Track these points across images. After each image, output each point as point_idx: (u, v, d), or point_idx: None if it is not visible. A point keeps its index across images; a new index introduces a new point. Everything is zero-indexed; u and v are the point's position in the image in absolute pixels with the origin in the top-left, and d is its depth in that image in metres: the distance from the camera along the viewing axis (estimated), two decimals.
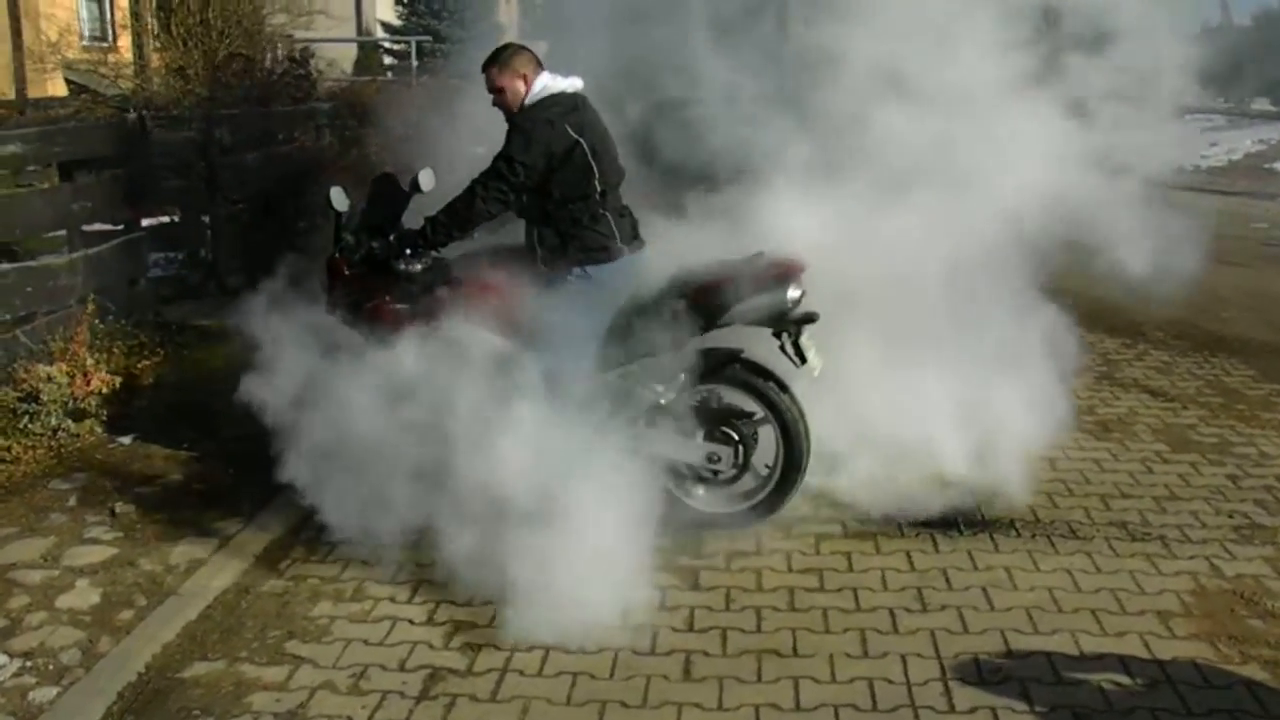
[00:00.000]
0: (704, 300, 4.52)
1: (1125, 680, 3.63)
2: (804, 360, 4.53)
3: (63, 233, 7.69)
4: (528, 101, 4.48)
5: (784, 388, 4.63)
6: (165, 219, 9.64)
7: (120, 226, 8.03)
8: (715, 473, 4.67)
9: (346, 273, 4.82)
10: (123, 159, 7.93)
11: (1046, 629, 3.92)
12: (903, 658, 3.77)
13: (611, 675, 3.74)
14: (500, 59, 4.51)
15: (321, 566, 4.58)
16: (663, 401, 4.63)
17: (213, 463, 5.64)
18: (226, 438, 5.91)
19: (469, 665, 3.83)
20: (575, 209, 4.45)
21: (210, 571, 4.53)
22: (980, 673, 3.67)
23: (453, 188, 4.92)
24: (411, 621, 4.13)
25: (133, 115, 8.13)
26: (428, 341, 4.73)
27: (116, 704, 3.67)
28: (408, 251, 4.63)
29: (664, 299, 4.59)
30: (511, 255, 4.67)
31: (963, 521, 4.78)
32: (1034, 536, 4.64)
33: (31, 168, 8.52)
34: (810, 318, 4.54)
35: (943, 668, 3.71)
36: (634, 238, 4.63)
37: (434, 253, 4.84)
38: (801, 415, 4.65)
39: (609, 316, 4.54)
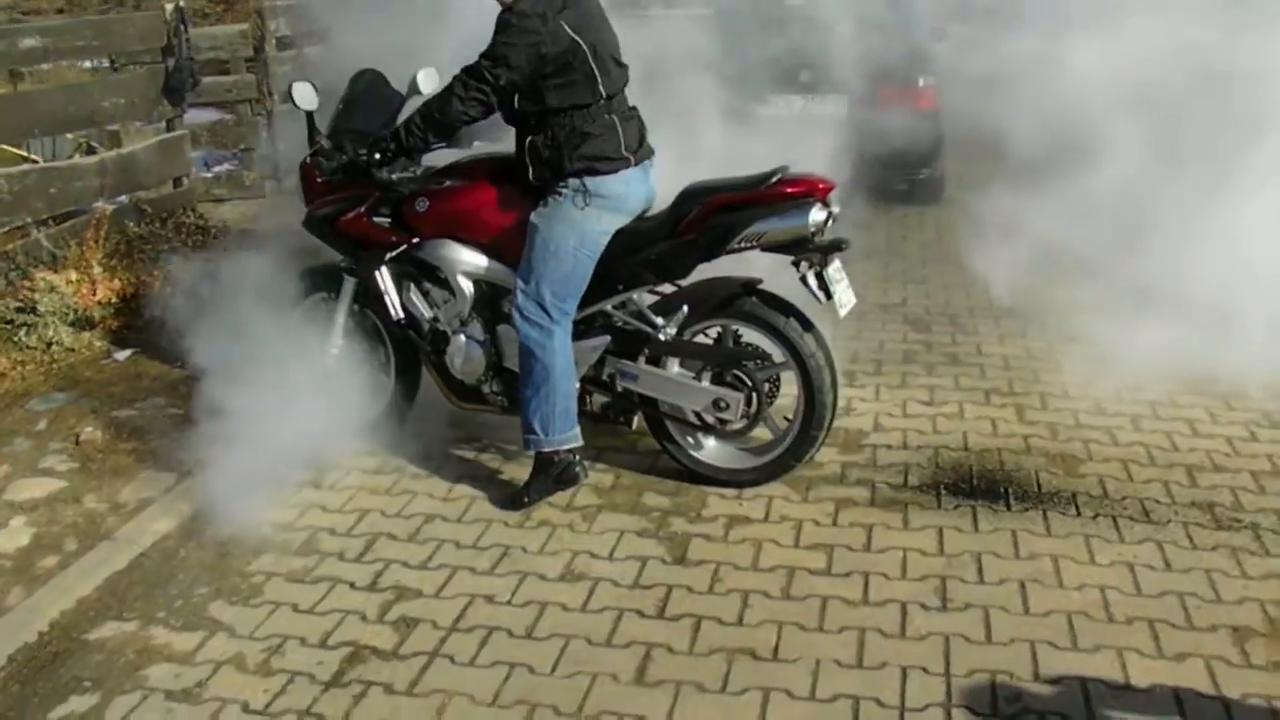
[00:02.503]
0: (713, 220, 3.83)
1: None
2: (829, 295, 3.81)
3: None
4: None
5: (808, 326, 3.94)
6: (223, 117, 9.28)
7: (163, 124, 7.64)
8: (723, 422, 4.01)
9: (320, 182, 4.26)
10: (161, 53, 7.49)
11: (1088, 644, 3.18)
12: (903, 671, 3.09)
13: (553, 670, 3.16)
14: None
15: (282, 511, 4.10)
16: (662, 337, 3.98)
17: (205, 383, 5.18)
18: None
19: (396, 645, 3.31)
20: (575, 117, 3.78)
21: (156, 512, 4.10)
22: (994, 701, 2.97)
23: None
24: (353, 585, 3.64)
25: (170, 7, 7.64)
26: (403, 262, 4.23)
27: (4, 669, 3.25)
28: (380, 157, 4.02)
29: (668, 217, 3.92)
30: (506, 163, 4.04)
31: (1012, 493, 4.03)
32: (1096, 517, 3.87)
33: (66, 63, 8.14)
34: (838, 245, 3.81)
35: (949, 689, 3.02)
36: (639, 145, 3.94)
37: (421, 160, 4.26)
38: (829, 361, 3.95)
39: (605, 236, 3.88)
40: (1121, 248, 6.52)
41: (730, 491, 4.10)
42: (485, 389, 4.24)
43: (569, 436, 3.94)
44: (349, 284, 4.42)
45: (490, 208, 4.03)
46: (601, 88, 3.77)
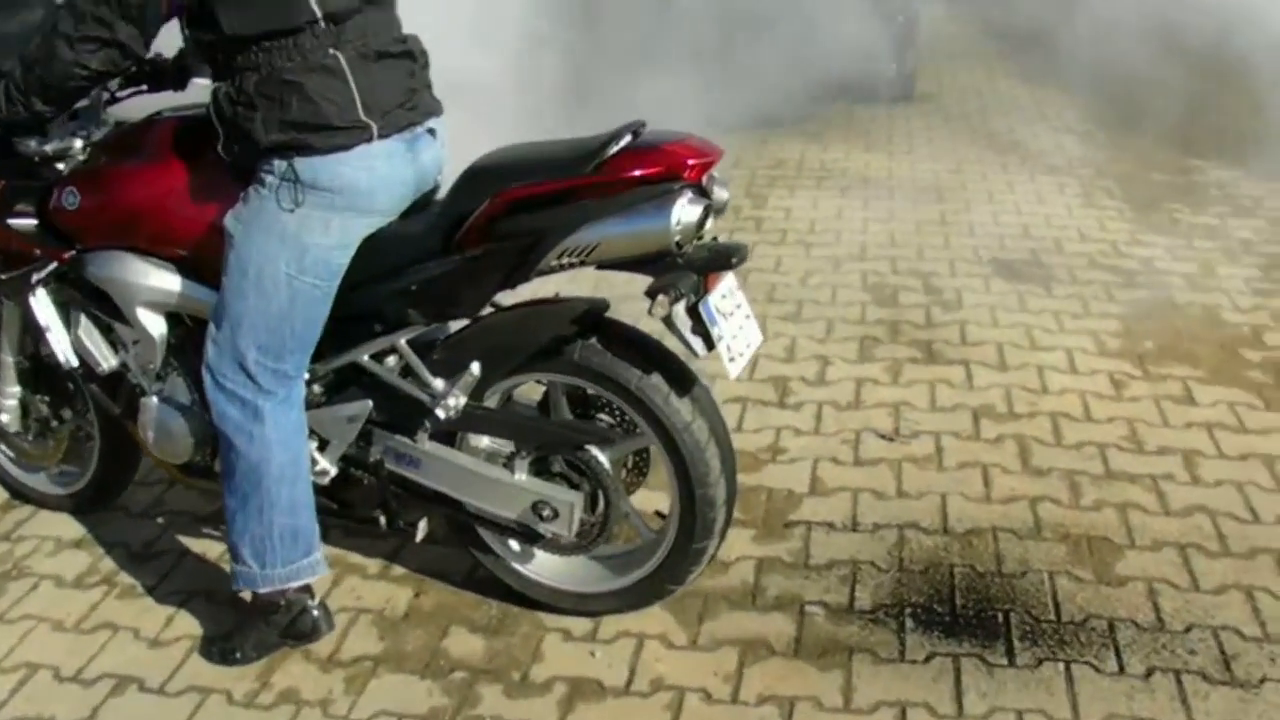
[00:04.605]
0: (509, 224, 2.29)
1: None
2: (710, 344, 2.29)
3: None
4: None
5: (682, 381, 2.43)
6: None
7: None
8: (553, 534, 2.54)
9: None
10: None
11: None
12: None
13: None
14: None
15: None
16: (440, 414, 2.47)
17: None
18: None
19: None
20: (274, 54, 2.22)
21: None
22: None
23: None
24: None
25: None
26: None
27: None
28: None
29: (440, 218, 2.38)
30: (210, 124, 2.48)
31: (1016, 625, 2.59)
32: (1149, 675, 2.42)
33: None
34: (727, 258, 2.28)
35: None
36: (402, 104, 2.37)
37: (103, 119, 2.73)
38: (715, 433, 2.46)
39: (342, 252, 2.35)
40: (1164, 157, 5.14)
41: (582, 622, 2.66)
42: (212, 467, 2.76)
43: (300, 568, 2.47)
44: (12, 310, 2.92)
45: (178, 198, 2.48)
46: (314, 3, 2.21)
